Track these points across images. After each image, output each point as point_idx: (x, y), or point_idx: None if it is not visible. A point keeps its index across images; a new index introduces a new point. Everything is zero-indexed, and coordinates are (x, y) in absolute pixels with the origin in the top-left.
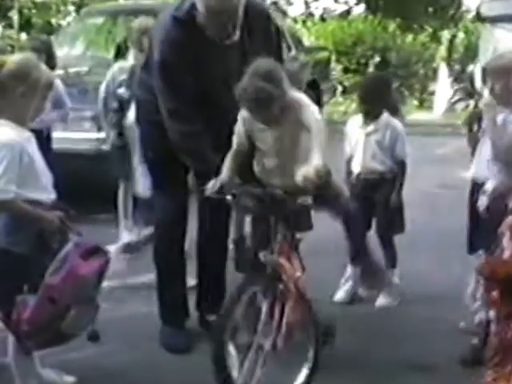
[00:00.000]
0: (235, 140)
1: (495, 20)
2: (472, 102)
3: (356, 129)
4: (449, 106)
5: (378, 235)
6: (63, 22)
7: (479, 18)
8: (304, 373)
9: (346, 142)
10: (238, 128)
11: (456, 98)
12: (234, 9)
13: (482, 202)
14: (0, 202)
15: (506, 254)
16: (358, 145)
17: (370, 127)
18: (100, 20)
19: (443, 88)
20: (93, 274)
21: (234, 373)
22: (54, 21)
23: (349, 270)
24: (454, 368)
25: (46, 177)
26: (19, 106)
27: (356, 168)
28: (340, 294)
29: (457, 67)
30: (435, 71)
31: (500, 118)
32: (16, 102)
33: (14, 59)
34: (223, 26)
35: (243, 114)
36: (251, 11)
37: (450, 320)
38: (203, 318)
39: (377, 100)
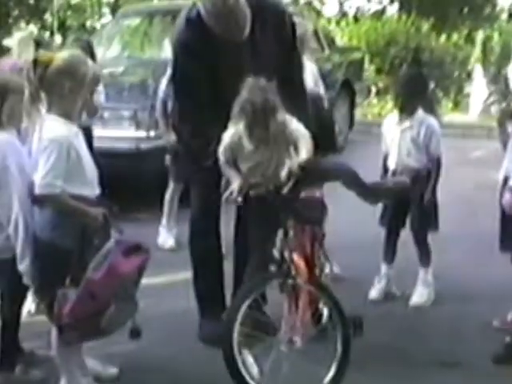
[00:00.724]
0: (221, 157)
1: None
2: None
3: (392, 126)
4: (484, 107)
5: (412, 232)
6: (97, 25)
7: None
8: (334, 367)
9: (382, 139)
10: (223, 150)
11: (491, 99)
12: (238, 9)
13: (506, 198)
14: (47, 197)
15: None
16: (394, 142)
17: (406, 124)
18: (136, 21)
19: (478, 90)
20: (133, 271)
21: (253, 372)
22: (88, 23)
23: (383, 268)
24: (487, 365)
25: (91, 172)
26: (67, 101)
27: (391, 165)
28: (374, 293)
29: (492, 68)
30: (470, 72)
31: None
32: (64, 97)
33: (61, 55)
34: (229, 26)
35: (228, 136)
36: (263, 9)
37: (483, 318)
38: None
39: (412, 96)
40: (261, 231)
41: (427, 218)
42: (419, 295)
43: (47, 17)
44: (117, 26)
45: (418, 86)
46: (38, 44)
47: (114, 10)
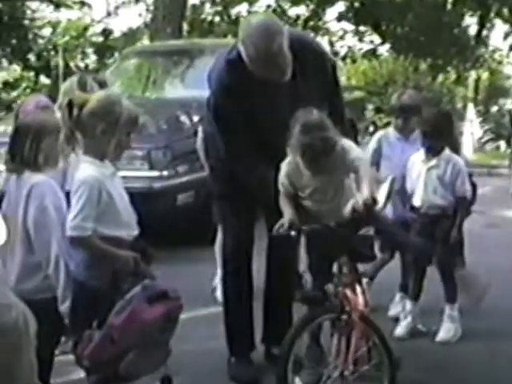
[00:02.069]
0: (281, 188)
1: None
2: (502, 143)
3: (417, 164)
4: (479, 146)
5: (438, 270)
6: (81, 64)
7: None
8: None
9: (407, 177)
10: (282, 180)
11: (486, 138)
12: (280, 54)
13: None
14: (76, 239)
15: None
16: (420, 179)
17: (432, 162)
18: (137, 61)
19: (472, 128)
20: (156, 318)
21: None
22: (72, 64)
23: (408, 305)
24: None
25: (127, 213)
26: (101, 142)
27: (417, 202)
28: (400, 330)
29: (480, 107)
30: (459, 112)
31: None
32: (98, 138)
33: (95, 97)
34: (271, 71)
35: (285, 166)
36: (303, 50)
37: (510, 353)
38: (269, 352)
39: (440, 135)
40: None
41: (453, 255)
42: (446, 331)
43: (30, 57)
44: (119, 67)
45: (445, 126)
46: (101, 85)
47: (97, 50)
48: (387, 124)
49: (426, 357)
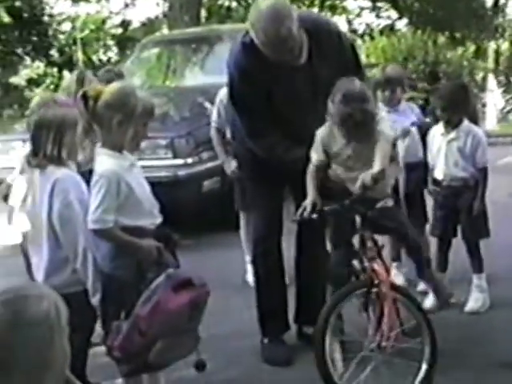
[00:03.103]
0: (314, 157)
1: None
2: None
3: (437, 137)
4: (502, 116)
5: (464, 241)
6: (104, 58)
7: None
8: (424, 368)
9: (427, 151)
10: (317, 146)
11: (508, 108)
12: (291, 38)
13: None
14: (98, 232)
15: None
16: (441, 152)
17: (452, 135)
18: (156, 51)
19: (494, 99)
20: (182, 307)
21: (338, 367)
22: (94, 57)
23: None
24: None
25: (149, 202)
26: (117, 134)
27: (439, 175)
28: (428, 302)
29: (501, 78)
30: (479, 84)
31: None
32: (114, 130)
33: (109, 89)
34: (283, 54)
35: (321, 132)
36: (318, 31)
37: None
38: (302, 332)
39: (457, 108)
40: (341, 243)
41: (478, 226)
42: (474, 301)
43: (53, 53)
44: (138, 58)
45: (462, 98)
46: (118, 76)
47: (118, 42)
48: (410, 99)
49: (455, 328)
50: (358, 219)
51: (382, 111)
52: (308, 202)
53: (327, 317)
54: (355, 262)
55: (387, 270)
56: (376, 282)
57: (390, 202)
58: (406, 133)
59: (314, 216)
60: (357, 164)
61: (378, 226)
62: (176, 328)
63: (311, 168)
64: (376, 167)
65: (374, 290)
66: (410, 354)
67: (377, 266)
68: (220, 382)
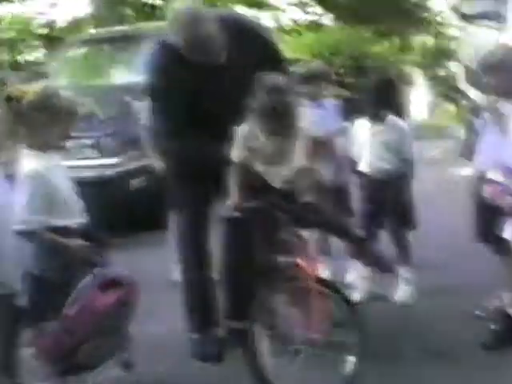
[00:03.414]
0: (236, 154)
1: (475, 18)
2: (451, 105)
3: (363, 130)
4: (429, 109)
5: (391, 233)
6: (30, 58)
7: (463, 16)
8: (353, 360)
9: (352, 143)
10: (238, 143)
11: (435, 101)
12: (210, 38)
13: (489, 190)
14: (25, 233)
15: None
16: (366, 145)
17: (377, 128)
18: (82, 50)
19: (420, 93)
20: (109, 306)
21: (273, 377)
22: (20, 58)
23: (365, 270)
24: (475, 353)
25: (74, 202)
26: (42, 134)
27: (364, 168)
28: (357, 294)
29: (428, 72)
30: (407, 77)
31: (503, 110)
32: (38, 131)
33: (33, 89)
34: (202, 54)
35: (242, 129)
36: (239, 31)
37: (466, 309)
38: (230, 326)
39: (383, 102)
40: (262, 240)
41: (404, 218)
42: (401, 292)
43: None
44: (64, 57)
45: (388, 92)
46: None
47: (46, 42)
48: (336, 95)
49: (384, 319)
50: (281, 215)
51: (305, 107)
52: (231, 201)
53: (256, 312)
54: (281, 258)
55: (313, 264)
56: (302, 276)
57: (312, 197)
58: (343, 129)
59: (238, 214)
60: (279, 160)
61: (301, 221)
62: (104, 327)
63: (234, 165)
64: (299, 162)
65: (301, 284)
66: (339, 347)
67: (302, 260)
68: (149, 380)
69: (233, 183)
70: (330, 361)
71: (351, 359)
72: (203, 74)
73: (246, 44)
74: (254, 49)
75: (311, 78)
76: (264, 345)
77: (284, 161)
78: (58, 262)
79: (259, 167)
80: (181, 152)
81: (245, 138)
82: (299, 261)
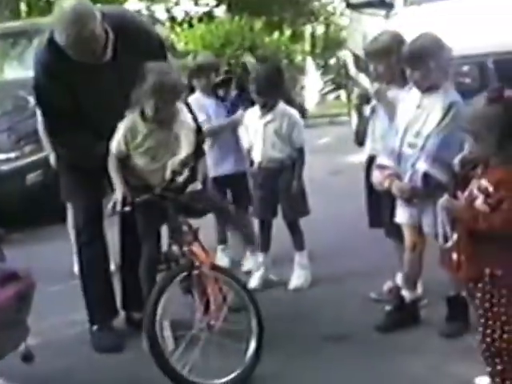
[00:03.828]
0: (113, 147)
1: (361, 7)
2: (342, 92)
3: (254, 120)
4: (320, 97)
5: (284, 220)
6: None
7: (348, 5)
8: (254, 342)
9: (244, 133)
10: (117, 137)
11: (326, 89)
12: (93, 39)
13: (375, 175)
14: None
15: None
16: (257, 135)
17: (268, 117)
18: None
19: (312, 81)
20: (8, 299)
21: (175, 362)
22: None
23: (260, 257)
24: (371, 335)
25: None
26: None
27: (257, 157)
28: (253, 281)
29: (319, 61)
30: (299, 66)
31: (390, 96)
32: None
33: None
34: (85, 54)
35: (123, 124)
36: (125, 29)
37: (361, 293)
38: (130, 317)
39: (272, 90)
40: (153, 232)
41: (297, 205)
42: (297, 278)
43: None
44: None
45: (275, 80)
46: None
47: None
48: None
49: (280, 305)
50: (169, 205)
51: (181, 104)
52: (118, 196)
53: (155, 304)
54: (173, 248)
55: (206, 252)
56: (196, 263)
57: (198, 186)
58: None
59: (127, 209)
60: (160, 154)
61: (190, 210)
62: (4, 320)
63: (112, 158)
64: (183, 152)
65: (195, 272)
66: (238, 334)
67: (195, 248)
68: (49, 372)
69: (116, 177)
70: (231, 347)
71: (251, 345)
72: (88, 72)
73: (133, 42)
74: (140, 47)
75: (200, 70)
76: (164, 333)
77: (167, 156)
78: None
79: (140, 162)
80: (66, 148)
81: (125, 133)
82: (194, 249)
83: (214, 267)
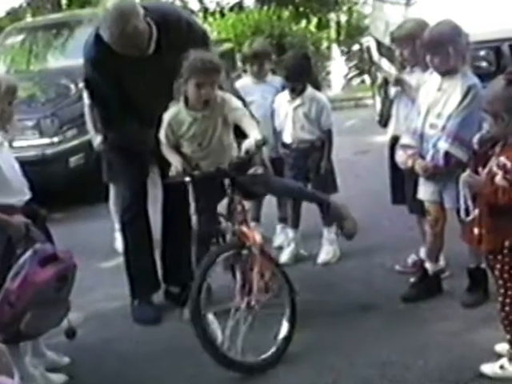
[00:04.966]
0: (162, 137)
1: None
2: (366, 77)
3: (283, 104)
4: (345, 82)
5: None
6: None
7: None
8: (285, 326)
9: (275, 116)
10: (163, 127)
11: (351, 74)
12: (136, 35)
13: (399, 154)
14: None
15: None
16: (288, 118)
17: (297, 101)
18: (20, 38)
19: (338, 67)
20: (48, 280)
21: (218, 336)
22: None
23: (290, 233)
24: (398, 305)
25: (18, 180)
26: None
27: (287, 139)
28: (284, 257)
29: (343, 47)
30: (324, 53)
31: (415, 79)
32: None
33: None
34: (129, 49)
35: (168, 113)
36: (167, 22)
37: (386, 266)
38: (168, 291)
39: (300, 76)
40: (211, 207)
41: (326, 184)
42: (326, 253)
43: None
44: (2, 45)
45: (304, 66)
46: None
47: None
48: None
49: (310, 278)
50: (229, 184)
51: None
52: (178, 166)
53: (202, 277)
54: (224, 225)
55: (255, 232)
56: (247, 244)
57: (260, 170)
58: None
59: (187, 179)
60: (206, 141)
61: (247, 192)
62: (44, 299)
63: (163, 146)
64: (257, 135)
65: (245, 251)
66: (274, 309)
67: (246, 229)
68: (92, 344)
69: (171, 155)
70: (267, 322)
71: (285, 320)
72: (132, 64)
73: (175, 35)
74: (182, 39)
75: (255, 57)
76: (207, 308)
77: (215, 138)
78: (0, 238)
79: (187, 148)
80: (115, 132)
81: (170, 122)
82: (245, 228)
83: (263, 251)
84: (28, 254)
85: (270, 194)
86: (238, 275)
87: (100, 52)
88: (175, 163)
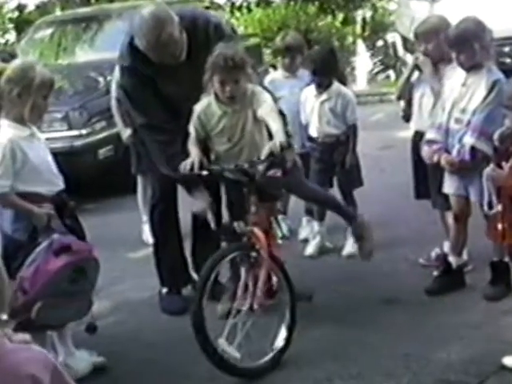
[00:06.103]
0: (191, 130)
1: None
2: (391, 73)
3: (310, 98)
4: (370, 77)
5: (339, 191)
6: (2, 40)
7: None
8: (283, 332)
9: (301, 111)
10: (193, 120)
11: (376, 69)
12: (172, 42)
13: (425, 149)
14: None
15: None
16: (314, 112)
17: (323, 96)
18: (49, 31)
19: (363, 62)
20: (60, 269)
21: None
22: None
23: (316, 226)
24: (421, 297)
25: (49, 171)
26: (17, 105)
27: (313, 133)
28: (310, 249)
29: (368, 43)
30: (349, 48)
31: (439, 74)
32: (14, 102)
33: (11, 65)
34: (164, 57)
35: (198, 106)
36: (196, 27)
37: (410, 259)
38: (195, 281)
39: (327, 71)
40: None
41: (351, 178)
42: (350, 245)
43: None
44: (32, 38)
45: (330, 61)
46: (12, 56)
47: (17, 24)
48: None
49: (335, 270)
50: (247, 183)
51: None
52: (195, 159)
53: (207, 275)
54: (235, 224)
55: (267, 238)
56: (257, 246)
57: (279, 173)
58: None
59: (204, 173)
60: (236, 136)
61: (263, 193)
62: (56, 289)
63: (191, 138)
64: (280, 135)
65: (254, 254)
66: (278, 309)
67: (258, 231)
68: (119, 332)
69: (192, 148)
70: (271, 322)
71: (280, 332)
72: (165, 70)
73: (203, 40)
74: (209, 40)
75: (287, 50)
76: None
77: (245, 134)
78: (26, 225)
79: (217, 142)
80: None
81: (200, 116)
82: (256, 231)
83: (272, 255)
84: (45, 243)
85: (296, 196)
86: (243, 277)
87: (135, 58)
88: (193, 155)
